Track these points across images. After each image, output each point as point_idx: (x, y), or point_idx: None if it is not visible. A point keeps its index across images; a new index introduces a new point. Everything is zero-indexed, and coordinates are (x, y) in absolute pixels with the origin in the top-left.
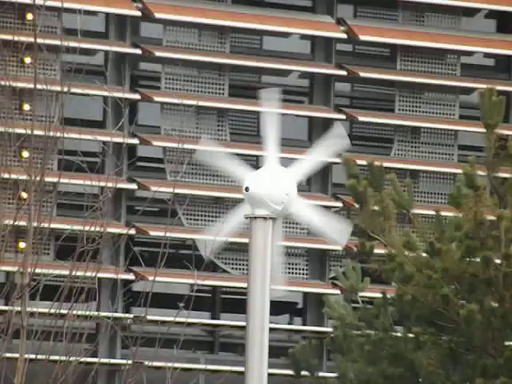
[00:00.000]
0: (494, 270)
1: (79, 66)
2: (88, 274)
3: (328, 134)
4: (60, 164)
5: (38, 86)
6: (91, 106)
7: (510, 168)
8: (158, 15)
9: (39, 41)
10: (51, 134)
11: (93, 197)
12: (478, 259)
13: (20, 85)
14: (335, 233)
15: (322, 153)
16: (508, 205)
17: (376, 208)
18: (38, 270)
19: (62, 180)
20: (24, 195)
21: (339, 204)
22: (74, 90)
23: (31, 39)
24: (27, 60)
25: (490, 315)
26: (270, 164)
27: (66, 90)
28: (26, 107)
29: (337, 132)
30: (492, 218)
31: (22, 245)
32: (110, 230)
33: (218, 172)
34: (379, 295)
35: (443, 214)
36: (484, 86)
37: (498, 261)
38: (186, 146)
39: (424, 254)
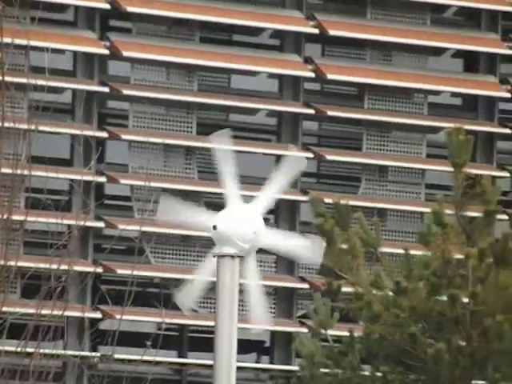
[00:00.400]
0: (462, 309)
1: (47, 104)
2: (55, 312)
3: (282, 163)
4: (27, 202)
5: (6, 124)
6: (59, 144)
7: (477, 207)
8: (125, 53)
9: (7, 79)
10: (19, 172)
11: (60, 235)
12: (446, 297)
13: None
14: (309, 252)
15: (281, 181)
16: (475, 244)
17: (343, 246)
18: (4, 309)
19: (30, 218)
20: None
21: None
22: (41, 128)
23: None
24: None
25: (457, 354)
26: (233, 202)
27: (33, 127)
28: None
29: (290, 159)
30: (460, 256)
31: None
32: (77, 268)
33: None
34: (347, 334)
35: (411, 252)
36: (451, 125)
37: (465, 299)
38: (153, 184)
39: (391, 293)
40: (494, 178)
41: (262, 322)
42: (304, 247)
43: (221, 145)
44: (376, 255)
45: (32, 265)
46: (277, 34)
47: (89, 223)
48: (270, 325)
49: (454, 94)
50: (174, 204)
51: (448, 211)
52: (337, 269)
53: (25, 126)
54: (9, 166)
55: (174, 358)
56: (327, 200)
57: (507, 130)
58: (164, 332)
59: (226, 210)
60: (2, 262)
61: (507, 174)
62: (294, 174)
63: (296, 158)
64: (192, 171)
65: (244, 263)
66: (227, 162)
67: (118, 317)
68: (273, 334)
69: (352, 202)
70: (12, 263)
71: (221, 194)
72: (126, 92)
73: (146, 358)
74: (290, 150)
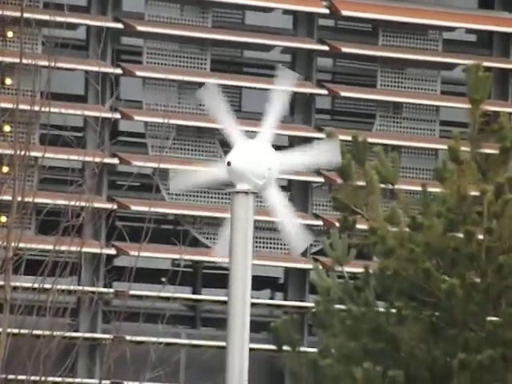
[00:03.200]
0: (477, 245)
1: (62, 41)
2: (71, 248)
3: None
4: (43, 139)
5: (24, 61)
6: (73, 80)
7: (492, 144)
8: None
9: (18, 15)
10: (36, 108)
11: (75, 171)
12: (461, 234)
13: (3, 59)
14: (295, 238)
15: (277, 109)
16: (491, 180)
17: (359, 182)
18: (21, 245)
19: (47, 154)
20: (5, 169)
21: (321, 179)
22: (57, 64)
23: (17, 13)
24: (10, 34)
25: (471, 290)
26: (260, 139)
27: (52, 64)
28: (8, 81)
29: (331, 143)
30: (476, 193)
31: (3, 219)
32: (92, 204)
33: (199, 147)
34: (361, 270)
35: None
36: (466, 61)
37: (480, 236)
38: (167, 120)
39: (406, 229)
40: (509, 114)
41: (303, 244)
42: (294, 231)
43: (281, 85)
44: (392, 191)
45: (48, 201)
46: None
47: (103, 160)
48: (309, 242)
49: (468, 31)
50: (184, 175)
51: (463, 148)
52: (352, 204)
53: (43, 63)
54: (25, 102)
55: (188, 294)
56: (342, 137)
57: None
58: (178, 268)
59: (239, 146)
60: (20, 198)
61: None
62: (285, 97)
63: (282, 82)
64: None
65: (267, 195)
66: (279, 102)
67: (132, 253)
68: (287, 270)
69: (367, 139)
70: (29, 199)
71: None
72: (140, 28)
73: (160, 294)
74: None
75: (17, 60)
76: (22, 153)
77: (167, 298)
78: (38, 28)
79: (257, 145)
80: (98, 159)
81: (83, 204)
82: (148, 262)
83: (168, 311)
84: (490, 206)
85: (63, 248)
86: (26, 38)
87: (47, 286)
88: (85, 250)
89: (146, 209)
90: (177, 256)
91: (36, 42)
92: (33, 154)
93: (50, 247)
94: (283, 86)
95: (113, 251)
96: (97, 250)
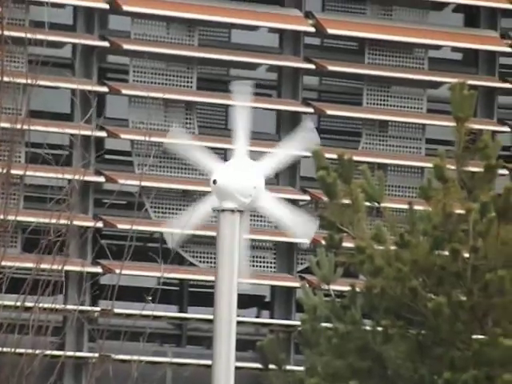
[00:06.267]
0: (463, 263)
1: (47, 59)
2: (55, 266)
3: (297, 128)
4: (27, 156)
5: (5, 79)
6: (59, 98)
7: (478, 162)
8: (126, 8)
9: (6, 33)
10: (18, 126)
11: (60, 189)
12: (447, 252)
13: None
14: (301, 227)
15: (291, 147)
16: (477, 198)
17: (345, 201)
18: (4, 263)
19: (30, 172)
20: None
21: (307, 197)
22: (42, 82)
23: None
24: None
25: (458, 308)
26: (238, 157)
27: (33, 82)
28: None
29: (306, 127)
30: (461, 211)
31: None
32: (78, 222)
33: (185, 165)
34: (348, 288)
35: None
36: (452, 79)
37: (466, 254)
38: (153, 138)
39: (393, 247)
40: (494, 132)
41: (244, 277)
42: (297, 222)
43: (240, 99)
44: (378, 209)
45: (32, 219)
46: None
47: (89, 178)
48: (251, 279)
49: (454, 49)
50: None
51: (449, 166)
52: (338, 223)
53: (24, 81)
54: (8, 120)
55: (174, 313)
56: (328, 155)
57: (508, 85)
58: (164, 287)
59: (227, 164)
60: (2, 216)
61: (508, 129)
62: (305, 145)
63: (311, 131)
64: (192, 126)
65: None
66: (243, 116)
67: (118, 271)
68: (273, 288)
69: (353, 157)
70: (11, 217)
71: (221, 149)
72: (126, 47)
73: (145, 312)
74: (293, 106)
75: (5, 78)
76: (4, 171)
77: (153, 317)
78: (23, 46)
79: (245, 163)
80: (81, 177)
81: (66, 222)
82: (135, 280)
83: (152, 329)
84: (475, 224)
85: (47, 266)
86: (10, 57)
87: (30, 304)
88: (70, 268)
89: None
90: (162, 274)
91: (22, 61)
92: (16, 171)
93: (33, 265)
94: (242, 101)
95: (99, 269)
96: (80, 269)
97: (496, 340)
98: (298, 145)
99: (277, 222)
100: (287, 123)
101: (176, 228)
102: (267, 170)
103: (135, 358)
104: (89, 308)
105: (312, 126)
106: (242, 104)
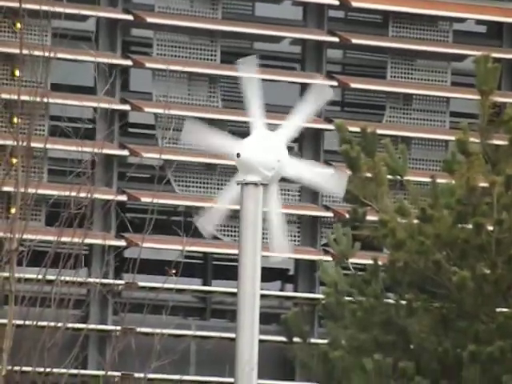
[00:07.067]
0: (486, 236)
1: (71, 32)
2: (76, 239)
3: (308, 92)
4: (51, 130)
5: (26, 52)
6: (83, 71)
7: (503, 135)
8: None
9: (30, 6)
10: (38, 99)
11: (83, 163)
12: (470, 225)
13: (9, 50)
14: (331, 183)
15: (306, 111)
16: (501, 172)
17: (369, 174)
18: (25, 236)
19: (53, 146)
20: (14, 161)
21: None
22: (64, 55)
23: (25, 4)
24: (19, 26)
25: (481, 281)
26: (257, 130)
27: (53, 55)
28: (18, 73)
29: (316, 88)
30: (485, 184)
31: (12, 210)
32: (101, 196)
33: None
34: (371, 262)
35: (436, 180)
36: (476, 52)
37: (490, 227)
38: (177, 112)
39: (416, 221)
40: None
41: (283, 251)
42: (327, 178)
43: (247, 72)
44: (401, 183)
45: (55, 192)
46: None
47: (113, 151)
48: (290, 253)
49: (478, 22)
50: (199, 128)
51: (473, 139)
52: (361, 196)
53: (45, 53)
54: (29, 93)
55: (198, 286)
56: (351, 128)
57: None
58: (188, 260)
59: (249, 137)
60: (22, 190)
61: None
62: (319, 103)
63: (322, 87)
64: (216, 99)
65: (266, 192)
66: (253, 89)
67: (140, 244)
68: (297, 261)
69: (377, 131)
70: (32, 191)
71: (245, 122)
72: (149, 20)
73: (168, 285)
74: (316, 79)
75: (24, 51)
76: (25, 144)
77: (176, 290)
78: (47, 19)
79: (267, 137)
80: (101, 150)
81: (87, 195)
82: (158, 254)
83: (175, 302)
84: (499, 197)
85: (70, 239)
86: (34, 30)
87: (52, 277)
88: (92, 241)
89: (156, 201)
90: (185, 247)
91: (46, 34)
92: (36, 144)
93: (55, 238)
94: (250, 74)
95: (123, 243)
96: (104, 242)
97: None
98: (313, 106)
99: (307, 183)
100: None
101: (205, 221)
102: (288, 139)
103: (158, 331)
104: (112, 281)
105: (345, 177)
106: (249, 76)
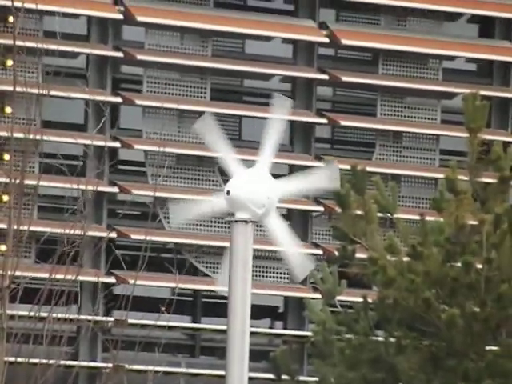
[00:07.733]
0: (476, 275)
1: (61, 69)
2: (68, 276)
3: (322, 168)
4: (41, 167)
5: (18, 89)
6: (73, 108)
7: (492, 173)
8: (139, 18)
9: (19, 43)
10: (31, 136)
11: (74, 200)
12: (460, 264)
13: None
14: (298, 262)
15: (311, 181)
16: (490, 210)
17: (359, 212)
18: (18, 273)
19: (43, 183)
20: (5, 198)
21: (321, 208)
22: (55, 92)
23: (11, 41)
24: (9, 63)
25: (471, 320)
26: (257, 168)
27: (45, 92)
28: (8, 110)
29: (331, 167)
30: (474, 222)
31: (3, 247)
32: (91, 233)
33: (199, 175)
34: (360, 299)
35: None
36: (466, 90)
37: (479, 265)
38: (167, 149)
39: (406, 258)
40: (508, 143)
41: (306, 270)
42: (319, 178)
43: (279, 112)
44: (391, 220)
45: (46, 229)
46: None
47: (103, 188)
48: (312, 266)
49: (468, 60)
50: (183, 206)
51: (462, 177)
52: (351, 234)
53: (37, 91)
54: (21, 130)
55: (188, 323)
56: (341, 166)
57: None
58: (178, 297)
59: (238, 175)
60: (15, 227)
61: None
62: (282, 125)
63: (278, 110)
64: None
65: (268, 224)
66: (277, 129)
67: (131, 282)
68: (286, 299)
69: (366, 168)
70: (24, 227)
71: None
72: (139, 57)
73: (159, 322)
74: (306, 116)
75: (18, 89)
76: (18, 181)
77: (167, 327)
78: (37, 56)
79: (255, 173)
80: (95, 187)
81: (80, 232)
82: (148, 291)
83: (166, 340)
84: (488, 235)
85: (61, 276)
86: (24, 67)
87: (43, 314)
88: (84, 278)
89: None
90: (177, 285)
91: (37, 71)
92: (29, 182)
93: (47, 275)
94: (279, 115)
95: (112, 280)
96: (94, 279)
97: (510, 351)
98: (318, 181)
99: (278, 247)
100: (300, 134)
101: (179, 211)
102: (282, 191)
103: (149, 368)
104: (103, 318)
105: (336, 168)
106: (278, 117)
